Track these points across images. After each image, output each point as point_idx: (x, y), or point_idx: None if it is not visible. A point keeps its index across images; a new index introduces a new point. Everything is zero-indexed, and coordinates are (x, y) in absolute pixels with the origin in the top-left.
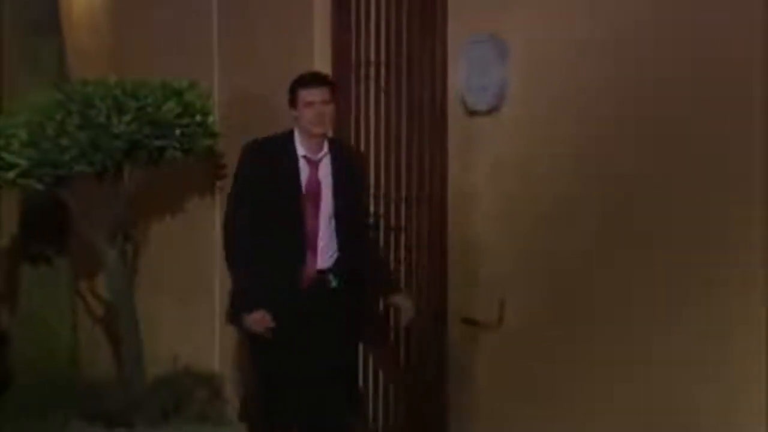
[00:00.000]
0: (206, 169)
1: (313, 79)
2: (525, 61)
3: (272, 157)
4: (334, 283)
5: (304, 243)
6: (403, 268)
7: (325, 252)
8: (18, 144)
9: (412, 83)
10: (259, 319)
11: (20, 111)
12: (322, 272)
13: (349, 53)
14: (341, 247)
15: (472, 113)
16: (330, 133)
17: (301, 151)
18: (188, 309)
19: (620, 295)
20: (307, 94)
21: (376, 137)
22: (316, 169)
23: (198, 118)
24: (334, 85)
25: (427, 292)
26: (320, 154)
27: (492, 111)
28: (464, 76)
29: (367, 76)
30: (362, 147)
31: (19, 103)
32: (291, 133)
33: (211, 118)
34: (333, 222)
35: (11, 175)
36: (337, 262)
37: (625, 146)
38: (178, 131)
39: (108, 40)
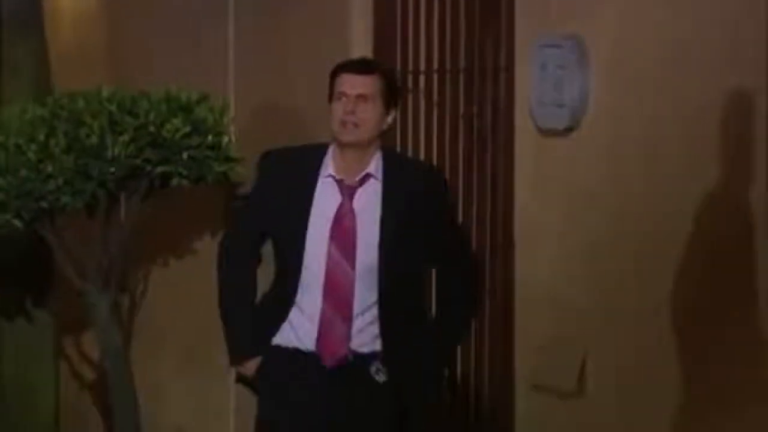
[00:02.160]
0: (220, 200)
1: (352, 62)
2: (611, 69)
3: (289, 175)
4: (380, 377)
5: (310, 303)
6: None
7: (368, 325)
8: None
9: (471, 96)
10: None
11: None
12: (361, 357)
13: (394, 59)
14: (392, 322)
15: (544, 133)
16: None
17: (328, 168)
18: (197, 372)
19: (732, 352)
20: (339, 82)
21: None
22: (351, 198)
23: (210, 138)
24: (391, 76)
25: (490, 352)
26: (360, 175)
27: (569, 131)
28: (535, 87)
29: (415, 88)
30: None
31: None
32: (326, 145)
33: (225, 139)
34: (377, 278)
35: None
36: (388, 346)
37: (740, 174)
38: (185, 155)
39: (101, 42)
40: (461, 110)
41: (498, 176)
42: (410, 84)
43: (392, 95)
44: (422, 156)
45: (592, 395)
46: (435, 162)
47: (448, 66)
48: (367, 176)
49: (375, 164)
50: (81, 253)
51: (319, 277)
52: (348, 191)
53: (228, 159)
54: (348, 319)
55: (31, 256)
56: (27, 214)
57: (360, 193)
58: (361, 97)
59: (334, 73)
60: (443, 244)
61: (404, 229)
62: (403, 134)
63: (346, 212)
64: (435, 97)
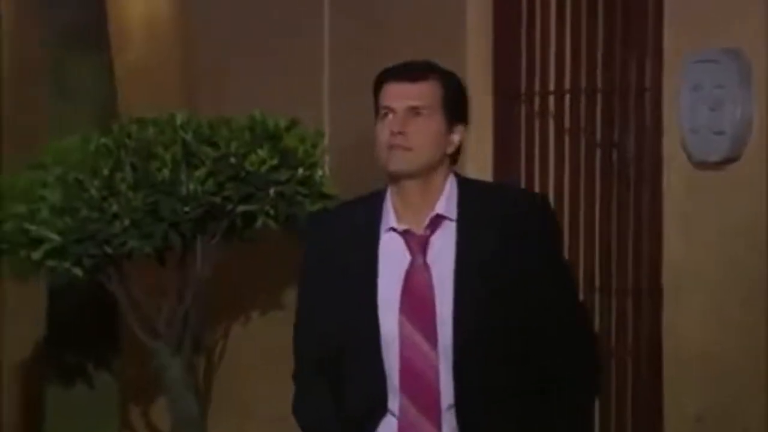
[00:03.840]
0: None
1: (397, 67)
2: None
3: (343, 241)
4: None
5: (382, 402)
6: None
7: (460, 417)
8: (47, 210)
9: (610, 121)
10: None
11: (51, 162)
12: None
13: (518, 79)
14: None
15: (698, 165)
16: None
17: (389, 219)
18: None
19: None
20: (384, 94)
21: (557, 197)
22: (423, 252)
23: (301, 171)
24: (453, 81)
25: (634, 423)
26: (427, 218)
27: (728, 162)
28: (687, 110)
29: (543, 112)
30: None
31: (50, 151)
32: (384, 191)
33: (320, 172)
34: (452, 361)
35: (37, 254)
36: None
37: None
38: (272, 191)
39: (174, 60)
40: (599, 137)
41: (643, 214)
42: (537, 106)
43: (457, 106)
44: (552, 191)
45: None
46: (567, 198)
47: (582, 85)
48: (438, 219)
49: (446, 201)
50: (150, 306)
51: (395, 361)
52: (417, 244)
53: (322, 196)
54: (436, 419)
55: (93, 310)
56: (88, 260)
57: (434, 243)
58: (413, 111)
59: (377, 85)
60: (543, 306)
61: (488, 288)
62: (528, 164)
63: (418, 273)
64: (567, 122)
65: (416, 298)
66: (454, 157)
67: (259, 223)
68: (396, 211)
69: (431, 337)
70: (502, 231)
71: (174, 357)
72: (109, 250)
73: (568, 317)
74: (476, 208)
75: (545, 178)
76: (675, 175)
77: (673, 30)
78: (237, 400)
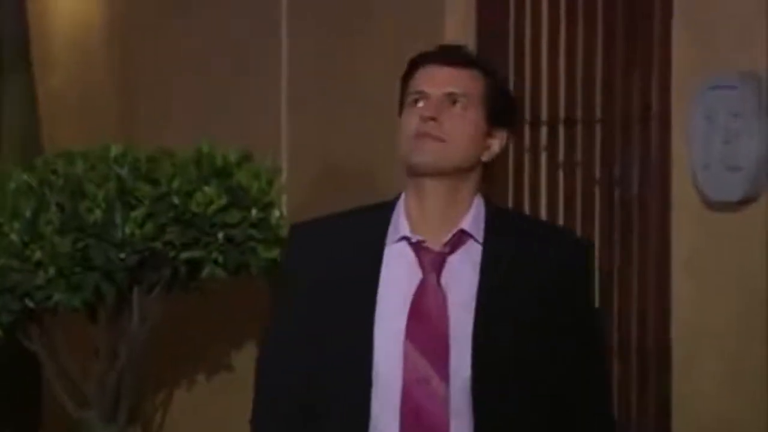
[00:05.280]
0: (266, 298)
1: (436, 50)
2: None
3: (333, 252)
4: None
5: None
6: None
7: None
8: None
9: (611, 154)
10: None
11: None
12: None
13: None
14: None
15: (711, 205)
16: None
17: (399, 227)
18: None
19: None
20: (417, 79)
21: None
22: (437, 271)
23: (255, 212)
24: (500, 78)
25: None
26: (450, 233)
27: (745, 202)
28: (698, 143)
29: (534, 144)
30: None
31: None
32: (394, 201)
33: (276, 213)
34: (470, 405)
35: None
36: None
37: None
38: (221, 235)
39: (107, 84)
40: (597, 173)
41: (648, 261)
42: (527, 138)
43: (500, 107)
44: None
45: None
46: None
47: (579, 115)
48: (462, 235)
49: (473, 216)
50: (78, 369)
51: (393, 400)
52: (432, 261)
53: (278, 241)
54: None
55: (12, 374)
56: (7, 316)
57: (451, 263)
58: (450, 98)
59: (410, 69)
60: (568, 376)
61: (515, 324)
62: (517, 202)
63: (431, 294)
64: (561, 155)
65: (427, 324)
66: (487, 170)
67: (205, 272)
68: (410, 218)
69: (442, 369)
70: (539, 267)
71: (106, 429)
72: (31, 304)
73: (592, 386)
74: (509, 235)
75: (537, 217)
76: (685, 217)
77: (683, 51)
78: None
